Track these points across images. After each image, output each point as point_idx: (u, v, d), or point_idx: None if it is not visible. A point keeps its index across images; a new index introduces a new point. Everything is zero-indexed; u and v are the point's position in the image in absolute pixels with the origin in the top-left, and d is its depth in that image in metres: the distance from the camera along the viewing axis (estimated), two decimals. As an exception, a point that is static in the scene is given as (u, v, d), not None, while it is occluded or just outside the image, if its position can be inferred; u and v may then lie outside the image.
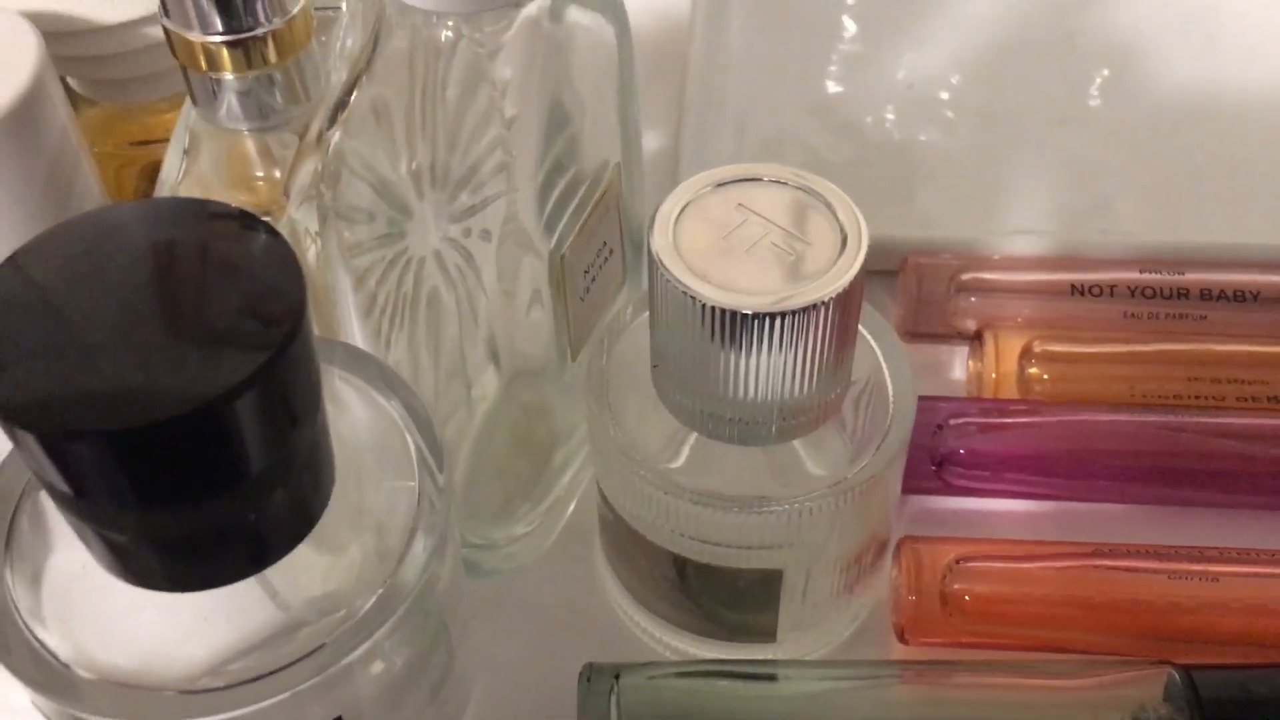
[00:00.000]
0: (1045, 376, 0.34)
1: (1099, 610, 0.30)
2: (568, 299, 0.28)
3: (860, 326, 0.29)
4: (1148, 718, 0.27)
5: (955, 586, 0.30)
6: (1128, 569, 0.30)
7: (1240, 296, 0.35)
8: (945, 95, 0.43)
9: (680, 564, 0.28)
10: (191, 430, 0.17)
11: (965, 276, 0.36)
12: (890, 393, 0.28)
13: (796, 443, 0.28)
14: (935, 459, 0.33)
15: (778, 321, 0.24)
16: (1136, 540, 0.31)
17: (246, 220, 0.19)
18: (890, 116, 0.43)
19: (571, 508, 0.33)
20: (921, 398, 0.32)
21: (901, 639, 0.30)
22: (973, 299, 0.36)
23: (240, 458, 0.18)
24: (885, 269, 0.37)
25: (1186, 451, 0.33)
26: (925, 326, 0.37)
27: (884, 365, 0.28)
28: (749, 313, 0.24)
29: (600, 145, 0.28)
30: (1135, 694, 0.28)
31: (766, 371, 0.25)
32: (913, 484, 0.33)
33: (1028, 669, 0.29)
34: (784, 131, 0.42)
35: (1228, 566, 0.30)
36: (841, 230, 0.25)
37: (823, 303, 0.24)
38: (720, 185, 0.26)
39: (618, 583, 0.31)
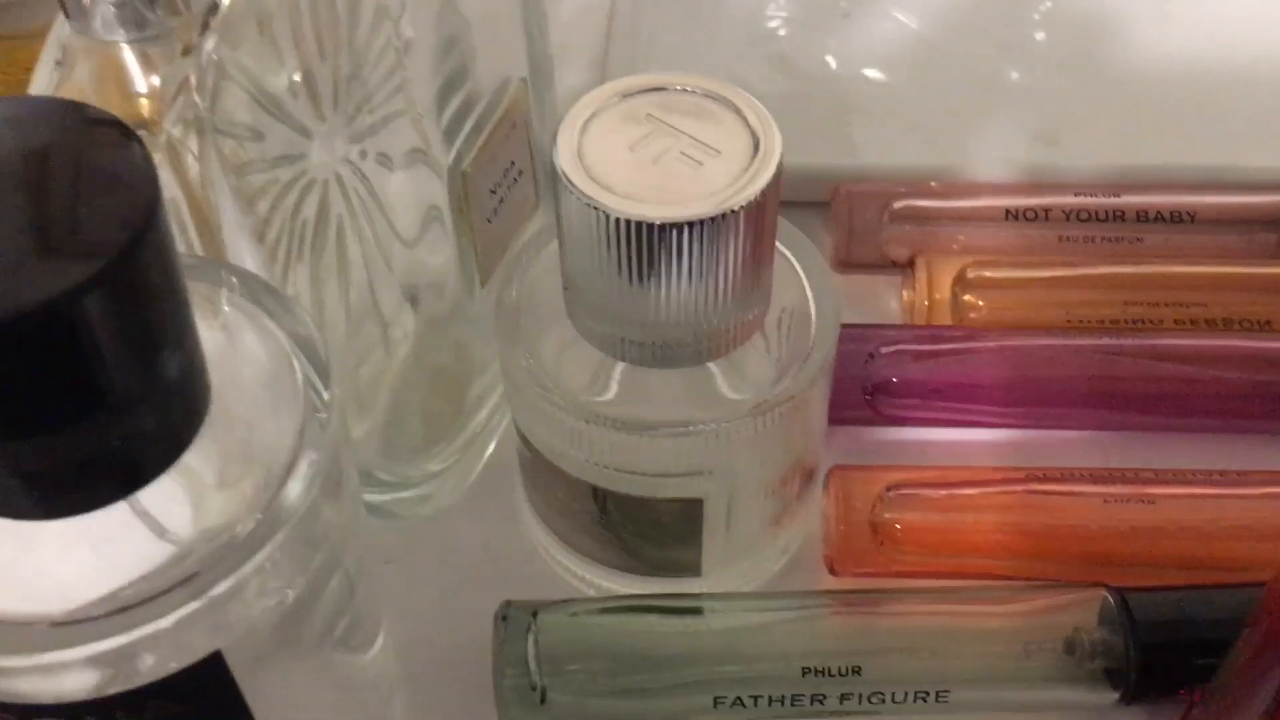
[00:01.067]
0: (980, 303, 0.34)
1: (1033, 536, 0.29)
2: (472, 220, 0.27)
3: (784, 248, 0.28)
4: (1082, 640, 0.27)
5: (886, 515, 0.29)
6: (1062, 493, 0.29)
7: (1177, 218, 0.34)
8: (884, 25, 0.42)
9: (601, 497, 0.27)
10: (23, 338, 0.16)
11: (898, 205, 0.35)
12: (813, 314, 0.27)
13: (721, 372, 0.27)
14: (867, 389, 0.32)
15: (688, 232, 0.23)
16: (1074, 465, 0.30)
17: (98, 121, 0.18)
18: (828, 46, 0.41)
19: (492, 447, 0.32)
20: (853, 326, 0.31)
21: (832, 571, 0.30)
22: (906, 227, 0.35)
23: (86, 373, 0.17)
24: (820, 200, 0.36)
25: (1124, 375, 0.32)
26: (859, 257, 0.36)
27: (807, 287, 0.27)
28: (657, 223, 0.23)
29: (501, 60, 0.27)
30: (1069, 618, 0.27)
31: (679, 286, 0.24)
32: (845, 414, 0.32)
33: (960, 595, 0.28)
34: (716, 63, 0.41)
35: (1164, 489, 0.29)
36: (754, 137, 0.24)
37: (733, 211, 0.23)
38: (627, 96, 0.25)
39: (540, 522, 0.30)
